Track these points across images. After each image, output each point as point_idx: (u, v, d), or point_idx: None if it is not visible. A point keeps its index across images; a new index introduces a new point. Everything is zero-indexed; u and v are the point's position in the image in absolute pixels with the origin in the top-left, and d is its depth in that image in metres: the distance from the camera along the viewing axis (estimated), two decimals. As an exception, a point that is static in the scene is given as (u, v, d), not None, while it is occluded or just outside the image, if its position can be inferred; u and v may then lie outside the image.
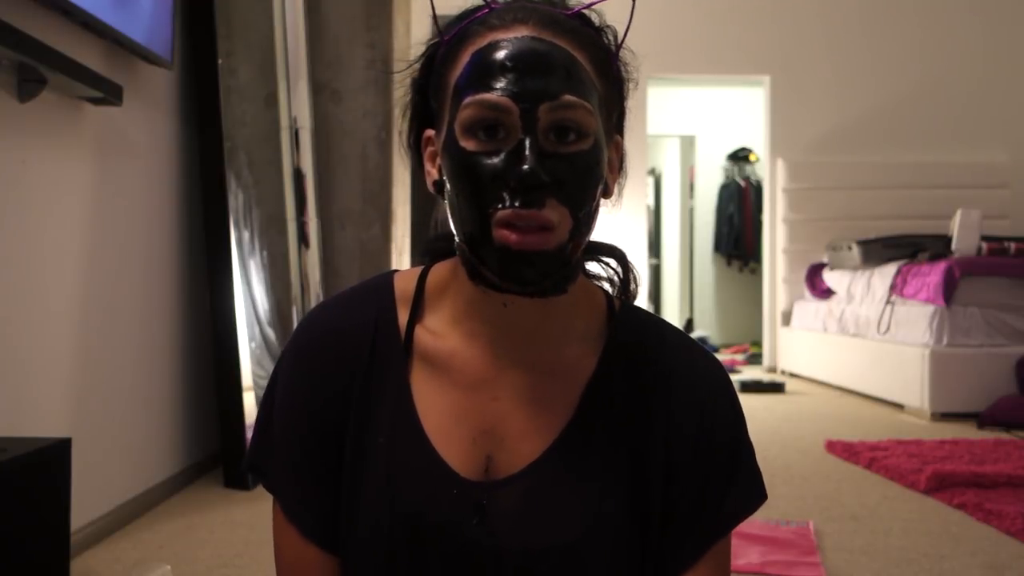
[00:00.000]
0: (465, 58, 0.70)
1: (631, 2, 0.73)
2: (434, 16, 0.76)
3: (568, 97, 0.67)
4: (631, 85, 0.77)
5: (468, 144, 0.67)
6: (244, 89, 2.93)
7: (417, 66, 0.77)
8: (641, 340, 0.78)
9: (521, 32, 0.69)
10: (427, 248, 0.82)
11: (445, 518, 0.73)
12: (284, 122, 2.94)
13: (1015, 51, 5.96)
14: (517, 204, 0.65)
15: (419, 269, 0.81)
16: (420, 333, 0.77)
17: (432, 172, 0.75)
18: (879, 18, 5.94)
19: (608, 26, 0.75)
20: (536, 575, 0.72)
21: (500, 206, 0.66)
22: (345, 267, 3.10)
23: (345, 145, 3.09)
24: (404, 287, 0.79)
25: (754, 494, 0.78)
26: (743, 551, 2.02)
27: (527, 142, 0.65)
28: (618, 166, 0.77)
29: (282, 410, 0.78)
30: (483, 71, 0.67)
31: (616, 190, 0.77)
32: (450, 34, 0.72)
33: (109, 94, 2.00)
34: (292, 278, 2.98)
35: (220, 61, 2.77)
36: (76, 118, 2.05)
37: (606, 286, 0.83)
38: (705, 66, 5.97)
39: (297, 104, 2.94)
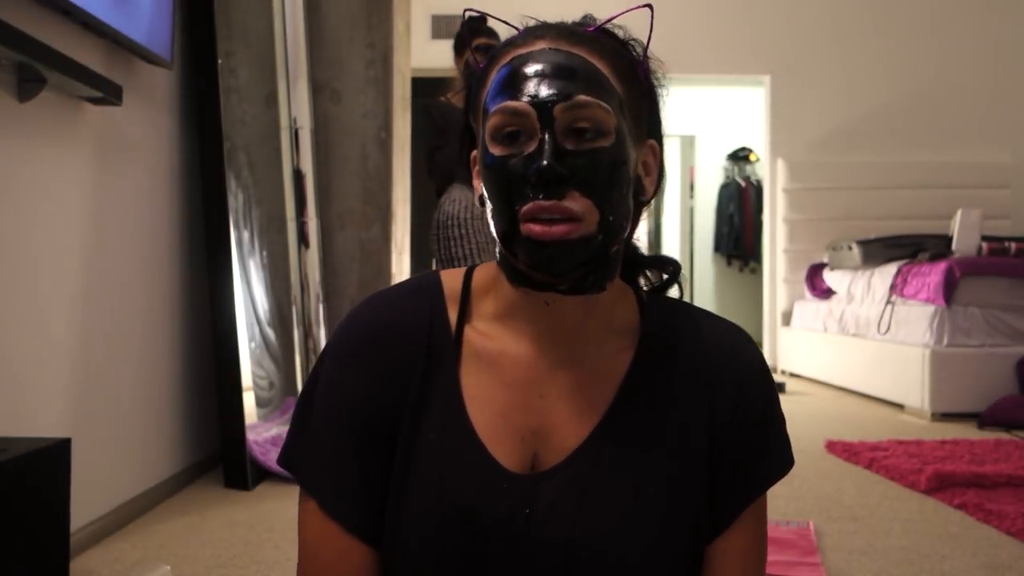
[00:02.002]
0: (493, 77, 0.75)
1: (650, 13, 0.78)
2: (472, 50, 0.86)
3: (582, 97, 0.71)
4: (662, 91, 0.82)
5: (496, 150, 0.73)
6: (244, 89, 2.93)
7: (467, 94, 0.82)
8: (673, 327, 0.82)
9: (539, 45, 0.74)
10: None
11: (496, 513, 0.75)
12: (284, 122, 2.94)
13: (1017, 51, 5.96)
14: (540, 197, 0.70)
15: (463, 270, 0.84)
16: (469, 332, 0.80)
17: (478, 187, 0.79)
18: (880, 18, 5.94)
19: (634, 39, 0.80)
20: (584, 562, 0.74)
21: (525, 202, 0.70)
22: (345, 267, 3.10)
23: (345, 145, 3.09)
24: (452, 286, 0.82)
25: (783, 461, 0.84)
26: (743, 551, 2.01)
27: (545, 140, 0.70)
28: (656, 168, 0.81)
29: (330, 405, 0.79)
30: (506, 83, 0.73)
31: (655, 192, 0.81)
32: (483, 62, 0.79)
33: (109, 94, 2.00)
34: (292, 278, 2.98)
35: (220, 61, 2.77)
36: (76, 118, 2.05)
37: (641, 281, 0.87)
38: (705, 66, 5.97)
39: (297, 104, 2.94)
